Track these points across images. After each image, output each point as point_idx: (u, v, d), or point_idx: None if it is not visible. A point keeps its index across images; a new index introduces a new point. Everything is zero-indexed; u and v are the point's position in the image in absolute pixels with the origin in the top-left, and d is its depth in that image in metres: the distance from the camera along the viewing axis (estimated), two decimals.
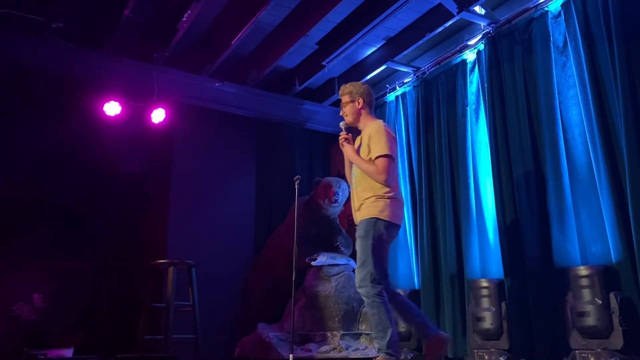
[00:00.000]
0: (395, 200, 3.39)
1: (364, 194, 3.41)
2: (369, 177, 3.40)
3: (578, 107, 4.07)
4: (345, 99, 3.63)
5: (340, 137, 3.59)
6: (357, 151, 3.55)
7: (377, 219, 3.32)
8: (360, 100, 3.58)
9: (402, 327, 5.05)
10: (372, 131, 3.44)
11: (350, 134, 3.59)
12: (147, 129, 5.71)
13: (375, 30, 5.05)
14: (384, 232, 3.32)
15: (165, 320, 4.39)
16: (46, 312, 5.89)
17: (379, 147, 3.37)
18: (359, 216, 3.43)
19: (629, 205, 3.56)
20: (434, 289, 4.99)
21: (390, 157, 3.36)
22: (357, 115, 3.59)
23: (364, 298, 3.31)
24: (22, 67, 5.03)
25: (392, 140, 3.42)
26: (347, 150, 3.53)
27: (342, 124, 3.63)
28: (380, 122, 3.52)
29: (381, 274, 3.28)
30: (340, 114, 3.67)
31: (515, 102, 4.47)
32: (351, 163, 3.61)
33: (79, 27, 5.05)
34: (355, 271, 3.36)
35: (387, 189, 3.37)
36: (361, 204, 3.41)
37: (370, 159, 3.41)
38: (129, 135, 5.81)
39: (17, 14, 4.72)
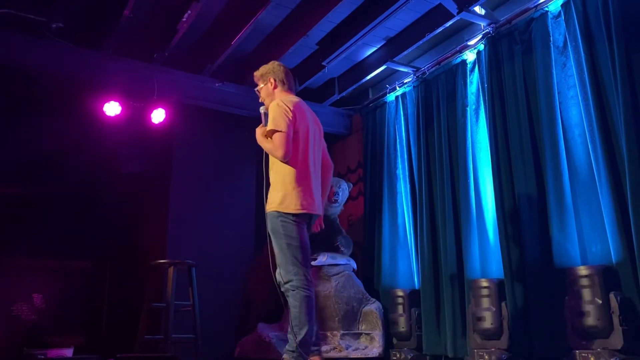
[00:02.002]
0: (299, 186, 3.19)
1: (273, 179, 3.26)
2: (275, 160, 3.24)
3: (578, 107, 4.07)
4: (259, 84, 3.47)
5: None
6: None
7: (279, 213, 3.16)
8: (272, 80, 3.41)
9: (403, 327, 5.06)
10: (270, 108, 3.26)
11: (263, 125, 3.34)
12: (147, 129, 5.71)
13: (375, 30, 5.05)
14: (290, 227, 3.15)
15: (165, 320, 4.39)
16: (46, 312, 5.90)
17: (271, 122, 3.19)
18: (267, 206, 3.24)
19: (629, 205, 3.56)
20: (434, 289, 4.99)
21: (279, 132, 3.14)
22: (272, 96, 3.40)
23: (287, 292, 3.15)
24: (22, 67, 5.03)
25: (282, 114, 3.19)
26: (256, 132, 3.32)
27: (261, 109, 3.42)
28: (279, 99, 3.30)
29: (303, 265, 3.14)
30: (260, 100, 3.50)
31: (515, 102, 4.48)
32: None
33: (79, 27, 5.05)
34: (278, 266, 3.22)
35: (292, 173, 3.19)
36: (270, 192, 3.25)
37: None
38: (129, 135, 5.81)
39: (17, 14, 4.71)
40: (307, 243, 3.23)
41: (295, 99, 3.37)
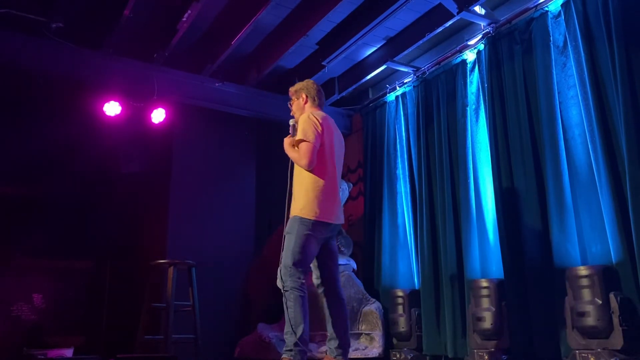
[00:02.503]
0: (324, 196, 3.35)
1: (296, 187, 3.43)
2: (301, 170, 3.40)
3: (578, 107, 4.07)
4: (292, 98, 3.68)
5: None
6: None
7: (300, 218, 3.31)
8: (303, 95, 3.62)
9: (403, 327, 5.06)
10: (300, 120, 3.46)
11: (292, 136, 3.55)
12: (147, 129, 5.71)
13: (375, 30, 5.05)
14: (309, 232, 3.30)
15: (165, 320, 4.39)
16: (46, 312, 5.90)
17: (298, 133, 3.39)
18: (291, 213, 3.42)
19: (629, 205, 3.56)
20: (434, 289, 4.99)
21: (306, 142, 3.32)
22: (302, 111, 3.60)
23: (283, 291, 3.31)
24: (22, 67, 5.03)
25: (312, 126, 3.36)
26: (284, 142, 3.52)
27: (291, 121, 3.63)
28: (310, 112, 3.49)
29: (302, 268, 3.29)
30: (291, 113, 3.69)
31: (515, 102, 4.47)
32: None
33: (79, 27, 5.05)
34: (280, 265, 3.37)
35: (315, 182, 3.35)
36: (293, 199, 3.42)
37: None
38: (129, 135, 5.81)
39: (17, 14, 4.71)
40: (312, 251, 3.36)
41: (323, 114, 3.55)
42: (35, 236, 5.80)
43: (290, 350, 3.18)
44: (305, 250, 3.30)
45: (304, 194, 3.36)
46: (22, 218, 5.84)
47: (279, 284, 3.34)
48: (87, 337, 5.96)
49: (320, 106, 3.65)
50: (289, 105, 3.72)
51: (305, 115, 3.45)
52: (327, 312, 3.43)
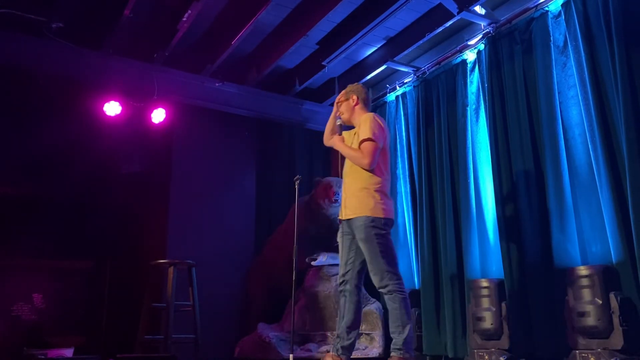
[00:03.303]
0: (384, 194, 3.42)
1: (353, 185, 3.44)
2: (358, 168, 3.43)
3: (578, 107, 4.07)
4: (339, 98, 3.73)
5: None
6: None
7: (372, 218, 3.34)
8: (354, 97, 3.66)
9: None
10: (361, 120, 3.51)
11: (343, 136, 3.63)
12: (147, 129, 5.71)
13: (375, 30, 5.05)
14: (384, 231, 3.36)
15: (165, 320, 4.39)
16: (46, 312, 5.89)
17: (363, 132, 3.41)
18: (348, 212, 3.43)
19: (629, 205, 3.56)
20: (434, 289, 4.99)
21: (373, 142, 3.37)
22: (352, 112, 3.65)
23: (384, 296, 3.34)
24: (22, 67, 5.03)
25: (379, 127, 3.43)
26: (335, 140, 3.58)
27: (338, 121, 3.68)
28: (371, 113, 3.57)
29: (395, 267, 3.36)
30: (338, 114, 3.71)
31: (515, 102, 4.47)
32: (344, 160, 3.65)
33: (79, 27, 5.05)
34: (370, 274, 3.39)
35: (375, 181, 3.39)
36: (349, 198, 3.44)
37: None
38: (129, 135, 5.81)
39: (17, 14, 4.72)
40: (393, 246, 3.44)
41: (375, 114, 3.61)
42: (36, 236, 5.79)
43: (400, 349, 3.24)
44: (388, 249, 3.35)
45: (365, 193, 3.37)
46: (22, 218, 5.83)
47: (381, 290, 3.34)
48: (87, 337, 5.96)
49: (368, 108, 3.72)
50: (335, 106, 3.73)
51: (372, 116, 3.49)
52: (348, 310, 3.44)
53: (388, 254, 3.34)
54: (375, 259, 3.32)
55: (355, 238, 3.43)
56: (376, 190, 3.39)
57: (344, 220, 3.50)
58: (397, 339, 3.27)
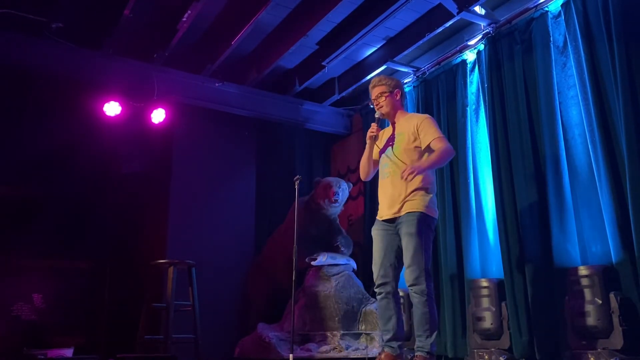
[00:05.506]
0: (435, 196, 3.49)
1: (408, 185, 3.36)
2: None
3: (578, 107, 4.07)
4: (381, 89, 3.59)
5: (370, 130, 3.58)
6: (390, 141, 3.54)
7: (426, 215, 3.35)
8: (398, 92, 3.62)
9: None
10: (419, 121, 3.49)
11: (378, 128, 3.60)
12: (147, 129, 5.71)
13: (375, 30, 5.05)
14: (433, 232, 3.44)
15: (165, 320, 4.39)
16: (46, 312, 5.89)
17: (433, 130, 3.44)
18: (401, 209, 3.37)
19: (629, 205, 3.56)
20: (434, 289, 4.97)
21: (444, 137, 3.47)
22: (394, 107, 3.60)
23: (415, 295, 3.32)
24: (22, 67, 5.03)
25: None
26: (422, 164, 3.37)
27: (377, 114, 3.59)
28: (426, 115, 3.64)
29: (431, 271, 3.38)
30: (375, 106, 3.65)
31: (515, 102, 4.47)
32: (371, 153, 3.62)
33: (79, 27, 5.05)
34: (406, 269, 3.36)
35: (430, 181, 3.44)
36: (401, 196, 3.38)
37: (415, 147, 3.46)
38: (129, 136, 5.81)
39: (17, 14, 4.72)
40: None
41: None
42: (35, 236, 5.79)
43: (428, 352, 3.26)
44: (430, 250, 3.39)
45: (423, 192, 3.38)
46: (22, 218, 5.83)
47: (412, 287, 3.34)
48: (87, 337, 5.96)
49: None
50: (374, 96, 3.61)
51: (429, 118, 3.52)
52: (394, 313, 3.46)
53: (429, 254, 3.37)
54: (418, 254, 3.30)
55: (400, 234, 3.38)
56: (431, 191, 3.43)
57: (388, 218, 3.44)
58: (424, 342, 3.28)
